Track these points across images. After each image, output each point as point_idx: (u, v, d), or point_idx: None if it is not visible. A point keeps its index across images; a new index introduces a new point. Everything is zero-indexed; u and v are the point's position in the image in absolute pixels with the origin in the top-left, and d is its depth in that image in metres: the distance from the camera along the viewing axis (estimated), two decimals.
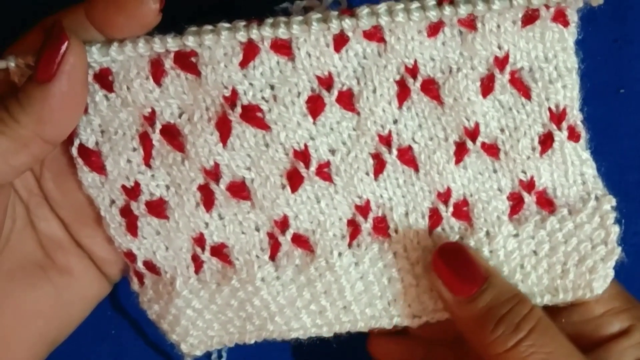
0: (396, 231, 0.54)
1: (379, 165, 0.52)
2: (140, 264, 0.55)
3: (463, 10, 0.48)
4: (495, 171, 0.53)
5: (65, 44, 0.46)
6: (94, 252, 0.56)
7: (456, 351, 0.60)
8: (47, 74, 0.46)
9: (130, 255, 0.55)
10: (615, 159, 0.66)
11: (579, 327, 0.54)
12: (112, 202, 0.53)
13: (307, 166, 0.51)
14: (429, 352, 0.61)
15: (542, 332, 0.50)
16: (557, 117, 0.52)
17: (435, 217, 0.54)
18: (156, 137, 0.51)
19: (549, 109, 0.52)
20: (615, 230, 0.54)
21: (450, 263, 0.53)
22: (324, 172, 0.52)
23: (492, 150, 0.53)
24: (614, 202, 0.54)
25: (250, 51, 0.49)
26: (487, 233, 0.54)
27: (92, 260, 0.56)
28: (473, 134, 0.52)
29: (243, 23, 0.48)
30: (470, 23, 0.49)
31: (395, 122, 0.52)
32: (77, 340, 0.65)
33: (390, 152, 0.52)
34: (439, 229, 0.54)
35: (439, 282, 0.53)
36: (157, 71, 0.49)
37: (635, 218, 0.63)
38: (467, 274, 0.52)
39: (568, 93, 0.51)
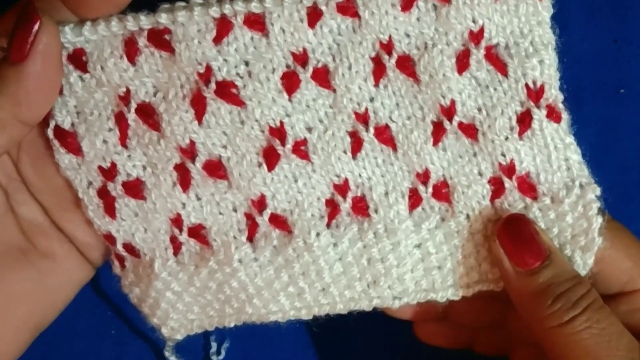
0: (376, 211, 0.54)
1: (357, 143, 0.52)
2: (120, 247, 0.54)
3: None
4: (475, 154, 0.53)
5: (38, 23, 0.46)
6: (76, 236, 0.56)
7: (497, 337, 0.60)
8: (20, 54, 0.46)
9: (110, 238, 0.54)
10: (615, 159, 0.66)
11: (627, 317, 0.54)
12: (90, 183, 0.53)
13: (283, 143, 0.51)
14: (471, 337, 0.61)
15: (597, 310, 0.51)
16: (535, 94, 0.51)
17: (415, 197, 0.54)
18: (132, 116, 0.51)
19: (526, 85, 0.51)
20: (598, 220, 0.53)
21: (515, 235, 0.53)
22: (301, 150, 0.52)
23: (470, 130, 0.52)
24: (598, 191, 0.53)
25: (223, 27, 0.48)
26: (468, 216, 0.54)
27: (74, 244, 0.56)
28: (449, 112, 0.51)
29: None
30: None
31: (371, 99, 0.51)
32: (77, 340, 0.65)
33: (367, 130, 0.52)
34: (419, 209, 0.54)
35: (501, 251, 0.53)
36: (131, 50, 0.49)
37: (635, 218, 0.62)
38: (530, 247, 0.52)
39: (545, 69, 0.51)
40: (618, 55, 0.66)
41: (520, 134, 0.52)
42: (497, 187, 0.53)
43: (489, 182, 0.53)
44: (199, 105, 0.50)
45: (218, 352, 0.66)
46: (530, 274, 0.52)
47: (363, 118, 0.52)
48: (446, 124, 0.52)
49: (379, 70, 0.51)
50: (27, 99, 0.47)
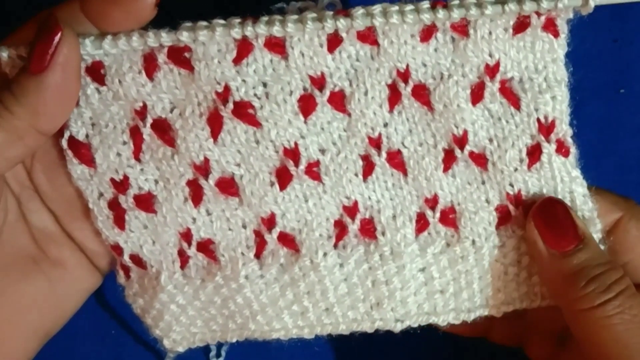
0: (383, 234, 0.54)
1: (368, 167, 0.53)
2: (126, 258, 0.55)
3: (456, 14, 0.48)
4: (483, 182, 0.53)
5: (59, 35, 0.47)
6: (85, 245, 0.56)
7: (514, 327, 0.61)
8: (40, 65, 0.47)
9: (117, 249, 0.55)
10: (616, 159, 0.67)
11: None
12: (101, 194, 0.53)
13: (296, 164, 0.52)
14: (488, 325, 0.62)
15: (631, 296, 0.50)
16: (546, 128, 0.52)
17: (422, 221, 0.54)
18: (147, 131, 0.51)
19: (538, 119, 0.52)
20: None
21: (550, 217, 0.53)
22: (313, 171, 0.52)
23: (480, 160, 0.53)
24: (599, 224, 0.54)
25: (244, 48, 0.49)
26: (473, 242, 0.55)
27: (83, 252, 0.56)
28: (461, 141, 0.52)
29: (238, 20, 0.48)
30: (462, 29, 0.50)
31: (385, 125, 0.52)
32: (78, 340, 0.65)
33: (379, 154, 0.52)
34: (425, 233, 0.55)
35: (535, 232, 0.53)
36: (149, 65, 0.50)
37: None
38: (566, 230, 0.52)
39: (557, 105, 0.52)
40: (618, 55, 0.67)
41: (529, 166, 0.53)
42: (504, 215, 0.54)
43: (496, 209, 0.54)
44: (215, 124, 0.50)
45: (218, 355, 0.66)
46: (564, 256, 0.52)
47: (376, 142, 0.52)
48: (457, 152, 0.52)
49: (394, 97, 0.51)
50: (45, 110, 0.48)
